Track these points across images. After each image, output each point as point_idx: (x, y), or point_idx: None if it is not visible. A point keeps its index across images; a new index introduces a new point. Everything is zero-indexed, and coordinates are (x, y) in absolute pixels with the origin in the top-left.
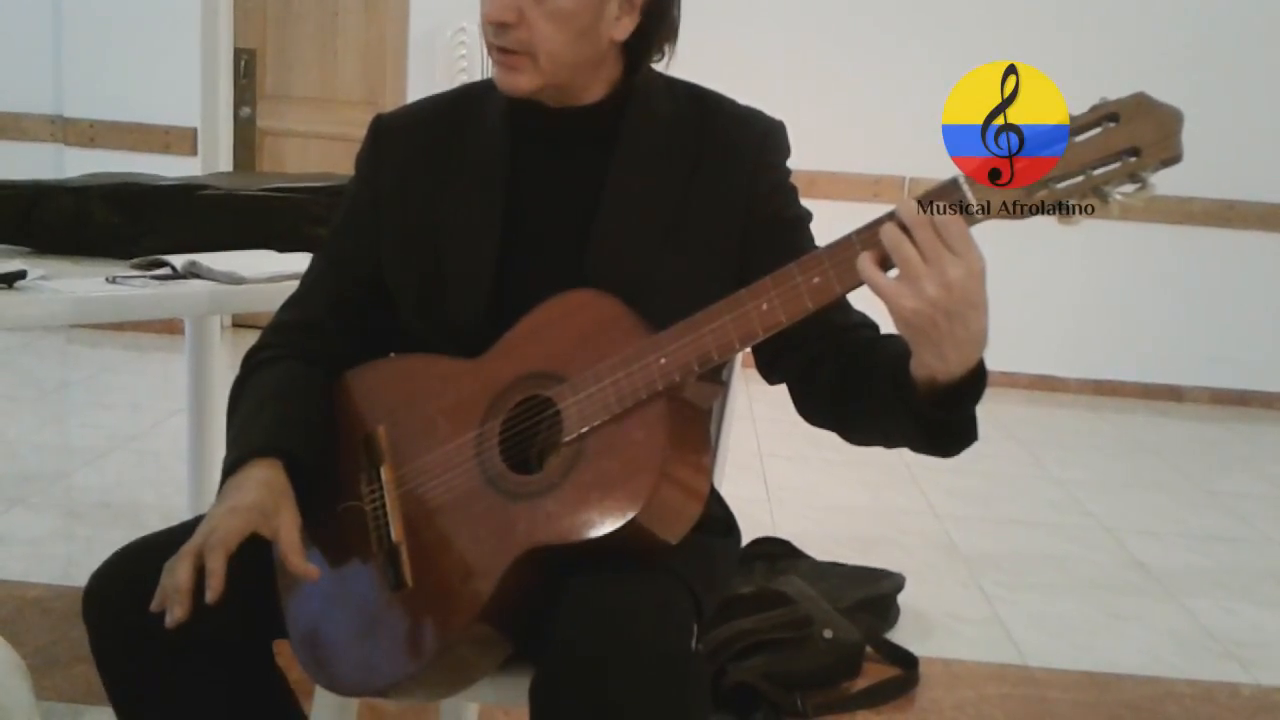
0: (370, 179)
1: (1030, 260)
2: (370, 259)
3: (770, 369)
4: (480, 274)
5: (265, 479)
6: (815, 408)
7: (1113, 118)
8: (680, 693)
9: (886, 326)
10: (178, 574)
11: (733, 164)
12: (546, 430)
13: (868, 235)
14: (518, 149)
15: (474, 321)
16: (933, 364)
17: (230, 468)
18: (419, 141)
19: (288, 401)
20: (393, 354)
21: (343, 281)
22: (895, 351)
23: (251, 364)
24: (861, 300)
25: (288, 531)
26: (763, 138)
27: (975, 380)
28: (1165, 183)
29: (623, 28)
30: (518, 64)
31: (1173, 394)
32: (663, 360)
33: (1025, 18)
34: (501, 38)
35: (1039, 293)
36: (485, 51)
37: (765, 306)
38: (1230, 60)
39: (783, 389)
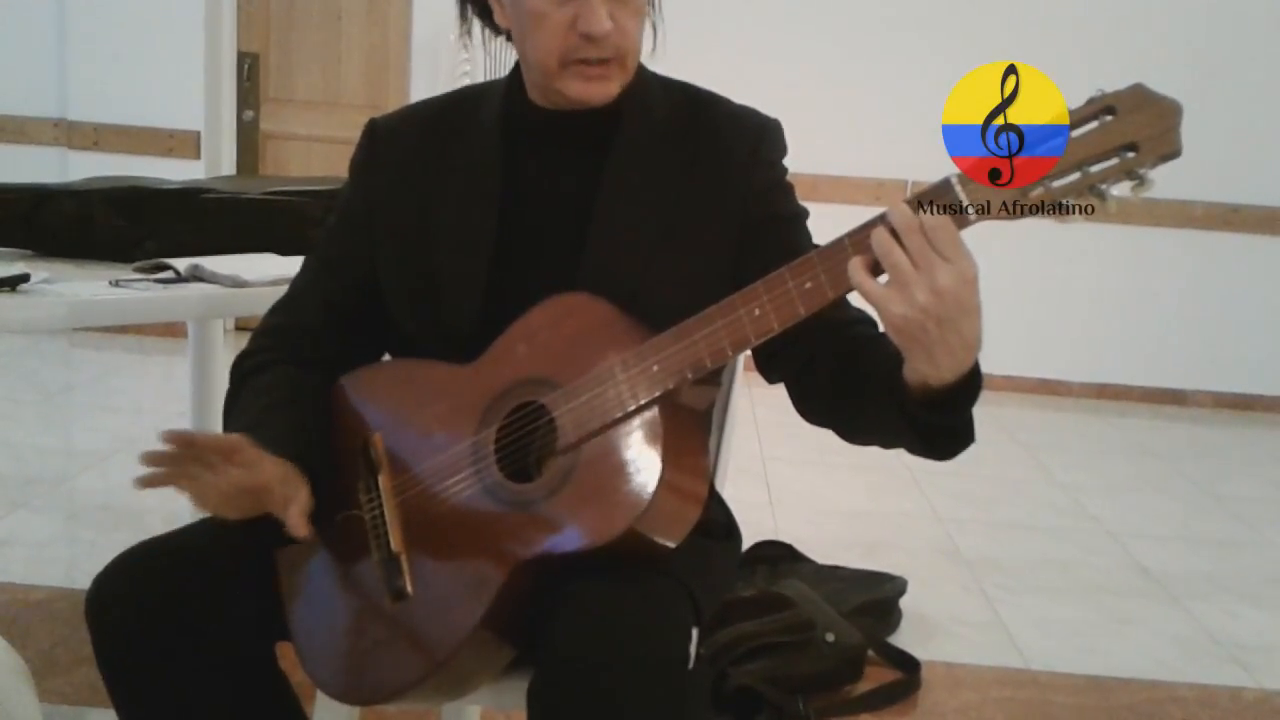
0: (364, 182)
1: (1033, 264)
2: (363, 262)
3: (768, 367)
4: (475, 277)
5: (281, 463)
6: (812, 406)
7: (1109, 110)
8: (677, 697)
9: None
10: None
11: (728, 163)
12: (542, 437)
13: (859, 239)
14: (513, 152)
15: (469, 325)
16: (924, 369)
17: None
18: (413, 145)
19: (293, 407)
20: (387, 357)
21: (336, 285)
22: (889, 354)
23: (244, 370)
24: (857, 299)
25: (301, 503)
26: (758, 136)
27: (970, 384)
28: (1168, 186)
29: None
30: (608, 72)
31: (1176, 398)
32: (655, 368)
33: (1027, 20)
34: (602, 48)
35: (1042, 296)
36: (486, 55)
37: (757, 312)
38: (1233, 63)
39: (783, 391)
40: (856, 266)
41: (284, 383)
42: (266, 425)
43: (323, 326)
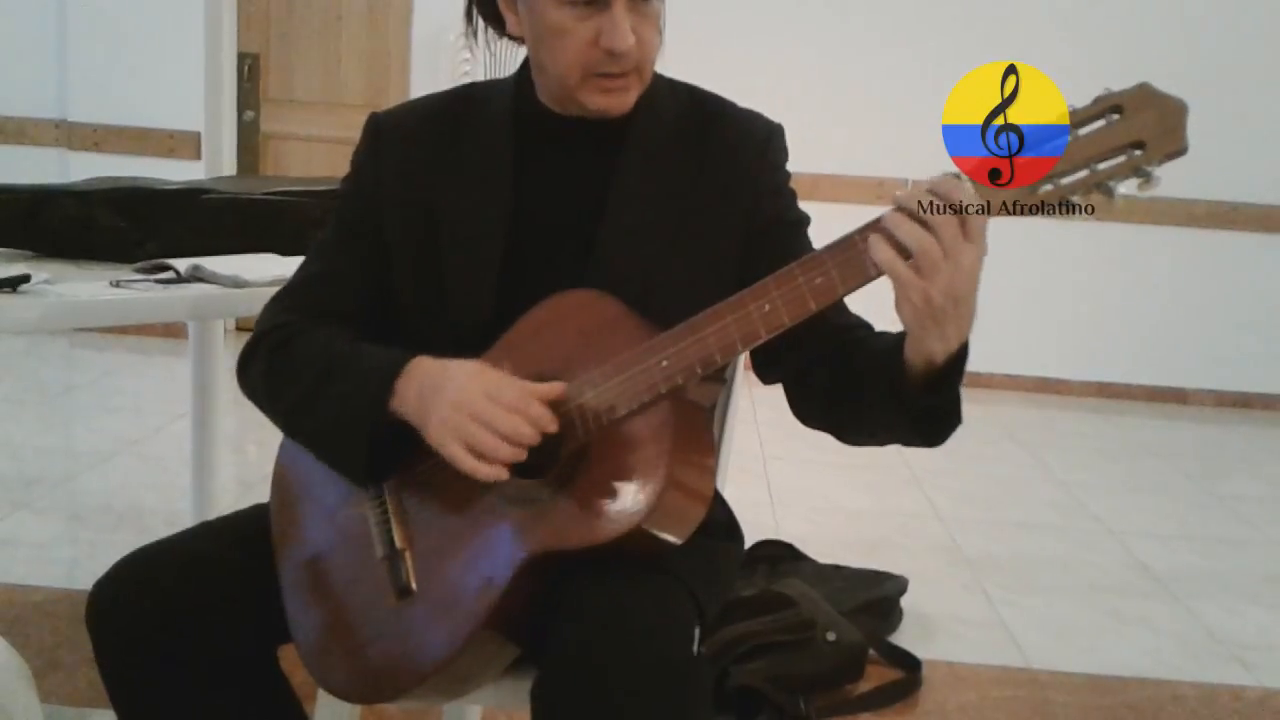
0: (369, 178)
1: (1033, 262)
2: (370, 257)
3: (766, 370)
4: (485, 276)
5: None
6: (810, 410)
7: (1116, 109)
8: (681, 696)
9: (881, 327)
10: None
11: (735, 166)
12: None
13: (871, 231)
14: (522, 152)
15: (478, 323)
16: (934, 346)
17: (381, 394)
18: (418, 140)
19: (369, 346)
20: None
21: (345, 281)
22: (886, 345)
23: (271, 343)
24: (858, 301)
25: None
26: (765, 140)
27: (961, 355)
28: (1168, 184)
29: None
30: (629, 84)
31: (1176, 396)
32: (665, 363)
33: (1026, 19)
34: (623, 62)
35: (1042, 295)
36: (488, 55)
37: (768, 307)
38: (1231, 62)
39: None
40: (879, 243)
41: (336, 334)
42: (369, 354)
43: (327, 314)
